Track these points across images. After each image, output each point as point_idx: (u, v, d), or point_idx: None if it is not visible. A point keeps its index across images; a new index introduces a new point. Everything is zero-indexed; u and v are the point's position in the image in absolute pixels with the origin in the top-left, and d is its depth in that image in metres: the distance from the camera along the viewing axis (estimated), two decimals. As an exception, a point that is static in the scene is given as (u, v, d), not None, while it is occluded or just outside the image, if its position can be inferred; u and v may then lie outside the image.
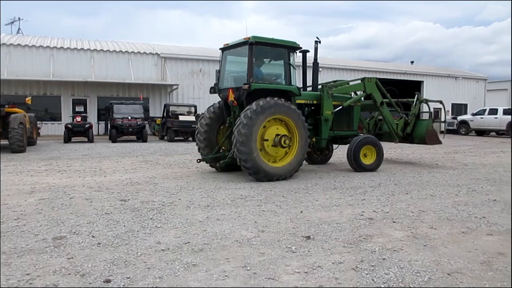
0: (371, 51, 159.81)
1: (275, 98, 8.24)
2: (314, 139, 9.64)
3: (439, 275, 3.39)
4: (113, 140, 19.59)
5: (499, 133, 27.99)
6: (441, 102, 11.64)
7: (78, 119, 19.87)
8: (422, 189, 7.37)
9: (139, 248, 3.99)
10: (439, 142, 11.38)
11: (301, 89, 9.44)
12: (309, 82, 10.28)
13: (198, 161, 9.64)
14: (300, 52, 9.50)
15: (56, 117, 25.53)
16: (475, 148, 16.85)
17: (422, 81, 36.61)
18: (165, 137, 21.59)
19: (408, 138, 11.20)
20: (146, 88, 27.04)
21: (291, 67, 9.00)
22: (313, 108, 9.80)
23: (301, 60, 9.99)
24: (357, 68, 33.55)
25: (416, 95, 11.53)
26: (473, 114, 29.12)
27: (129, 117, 20.21)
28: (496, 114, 27.17)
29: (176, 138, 20.88)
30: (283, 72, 9.07)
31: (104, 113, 25.03)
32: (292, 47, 9.04)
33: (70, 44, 26.33)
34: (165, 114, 22.04)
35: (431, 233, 4.58)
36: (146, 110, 24.54)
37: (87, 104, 25.89)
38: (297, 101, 9.13)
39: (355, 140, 9.65)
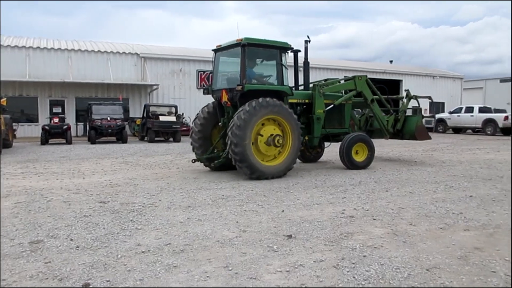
0: (351, 50, 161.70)
1: (268, 99, 8.34)
2: (306, 138, 9.78)
3: (418, 270, 3.45)
4: (92, 141, 19.28)
5: (475, 131, 28.64)
6: (430, 98, 11.96)
7: (56, 120, 19.49)
8: (401, 186, 7.48)
9: (119, 251, 3.93)
10: (429, 138, 11.66)
11: (293, 89, 9.58)
12: (301, 81, 10.44)
13: (193, 161, 9.66)
14: (291, 52, 9.62)
15: (32, 119, 24.98)
16: (452, 145, 17.21)
17: (401, 80, 37.22)
18: (145, 138, 21.37)
19: (398, 134, 11.43)
20: (125, 88, 26.69)
21: (283, 67, 9.11)
22: (305, 107, 9.94)
23: (292, 60, 10.06)
24: (338, 68, 33.85)
25: (406, 92, 11.78)
26: (450, 112, 29.72)
27: (109, 118, 19.90)
28: (472, 112, 27.79)
29: (156, 138, 20.69)
30: (275, 72, 9.20)
31: (83, 114, 24.60)
32: (284, 48, 9.15)
33: (46, 44, 25.78)
34: (145, 115, 21.80)
35: (411, 230, 4.65)
36: (125, 110, 24.24)
37: (65, 105, 25.38)
38: (290, 101, 9.27)
39: (347, 138, 9.79)
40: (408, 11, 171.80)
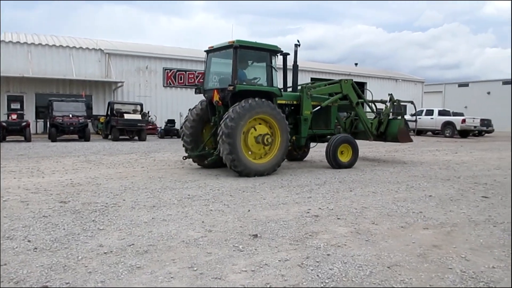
0: (318, 52, 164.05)
1: (257, 99, 8.66)
2: (294, 138, 10.09)
3: (379, 268, 3.54)
4: (53, 139, 18.61)
5: (435, 133, 29.73)
6: (412, 102, 12.49)
7: (14, 116, 18.66)
8: (365, 186, 7.65)
9: (79, 252, 3.82)
10: (410, 140, 12.18)
11: (282, 90, 9.85)
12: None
13: (184, 158, 9.99)
14: (280, 55, 9.90)
15: (-12, 115, 23.82)
16: (413, 147, 17.79)
17: (366, 82, 38.05)
18: (109, 136, 20.84)
19: (381, 136, 11.90)
20: (89, 85, 25.90)
21: (273, 69, 9.45)
22: (292, 108, 10.28)
23: (281, 63, 10.29)
24: (305, 69, 34.17)
25: (389, 96, 12.27)
26: (412, 115, 30.67)
27: (70, 115, 19.26)
28: (432, 115, 28.83)
29: (121, 137, 20.24)
30: (265, 74, 9.52)
31: (43, 110, 23.69)
32: (273, 51, 9.52)
33: (4, 37, 24.63)
34: (109, 112, 21.27)
35: (373, 229, 4.77)
36: (88, 108, 23.52)
37: (24, 101, 24.34)
38: (278, 101, 9.55)
39: (333, 139, 10.18)
40: (373, 15, 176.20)
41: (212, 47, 9.66)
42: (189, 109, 10.11)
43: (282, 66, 10.23)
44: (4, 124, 17.89)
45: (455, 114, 29.03)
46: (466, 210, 5.77)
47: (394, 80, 40.42)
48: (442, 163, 11.80)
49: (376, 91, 38.94)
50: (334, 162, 10.06)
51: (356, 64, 45.82)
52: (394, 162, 11.94)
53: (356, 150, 10.39)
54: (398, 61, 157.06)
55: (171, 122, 24.37)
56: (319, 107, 10.41)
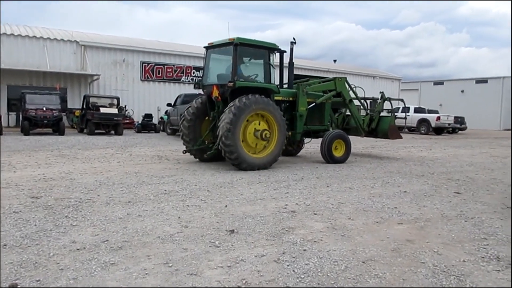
0: (297, 48, 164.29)
1: (257, 95, 8.91)
2: (290, 133, 10.25)
3: (354, 263, 3.58)
4: (26, 132, 18.11)
5: (410, 130, 30.30)
6: (402, 100, 12.90)
7: (-16, 109, 18.07)
8: (341, 182, 7.73)
9: (51, 249, 3.72)
10: (400, 137, 12.51)
11: (279, 87, 10.06)
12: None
13: (184, 152, 10.14)
14: (277, 52, 10.12)
15: (-43, 107, 22.98)
16: (389, 143, 18.07)
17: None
18: (85, 130, 20.45)
19: (372, 132, 12.25)
20: (63, 77, 25.28)
21: (271, 67, 9.74)
22: (288, 104, 10.47)
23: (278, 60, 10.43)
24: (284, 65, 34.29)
25: (381, 94, 12.62)
26: (388, 112, 31.16)
27: (44, 108, 18.78)
28: (408, 112, 29.34)
29: (97, 131, 19.86)
30: (263, 71, 9.80)
31: (16, 103, 23.01)
32: (272, 48, 9.80)
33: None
34: (84, 106, 20.84)
35: (349, 224, 4.82)
36: (63, 101, 23.00)
37: (-6, 93, 23.61)
38: (275, 98, 9.82)
39: (328, 135, 10.45)
40: (352, 12, 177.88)
41: (212, 43, 9.86)
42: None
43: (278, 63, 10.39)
44: (-27, 116, 17.30)
45: (430, 111, 29.66)
46: (439, 206, 5.90)
47: (372, 77, 40.98)
48: (417, 159, 12.04)
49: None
50: (329, 157, 10.34)
51: (335, 60, 46.14)
52: (370, 158, 12.12)
53: (349, 146, 10.71)
54: (376, 58, 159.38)
55: (148, 116, 24.07)
56: (314, 103, 10.65)
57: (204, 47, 10.10)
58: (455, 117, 29.33)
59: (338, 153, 10.57)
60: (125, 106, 24.31)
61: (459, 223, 5.00)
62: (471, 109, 42.67)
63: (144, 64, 27.70)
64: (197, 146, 9.89)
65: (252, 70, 10.01)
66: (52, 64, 24.56)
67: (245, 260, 3.57)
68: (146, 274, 3.24)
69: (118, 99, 22.24)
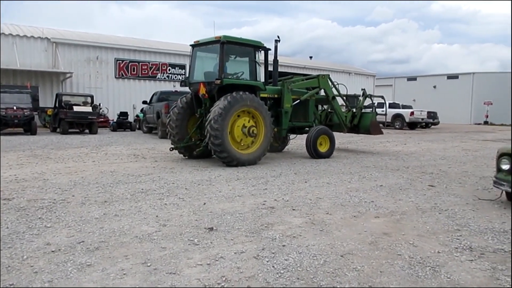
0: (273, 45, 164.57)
1: (243, 92, 9.03)
2: (276, 129, 10.40)
3: (333, 257, 3.62)
4: (-4, 132, 17.54)
5: (385, 125, 30.81)
6: (382, 97, 13.21)
7: (-49, 109, 17.38)
8: (319, 177, 7.80)
9: (24, 251, 3.62)
10: (381, 133, 12.89)
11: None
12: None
13: (171, 149, 10.08)
14: (262, 50, 10.14)
15: None
16: (365, 138, 18.35)
17: (320, 76, 38.74)
18: (58, 129, 19.93)
19: (354, 128, 12.53)
20: (34, 75, 24.56)
21: (257, 64, 9.88)
22: (273, 101, 10.61)
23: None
24: (260, 61, 34.29)
25: (362, 91, 12.97)
26: (364, 107, 31.62)
27: (15, 107, 18.20)
28: (382, 107, 29.82)
29: (70, 130, 19.39)
30: (249, 68, 9.93)
31: (-16, 102, 22.23)
32: (258, 46, 9.91)
33: None
34: (57, 105, 20.30)
35: (327, 219, 4.87)
36: (35, 99, 22.26)
37: (-39, 92, 22.73)
38: (261, 95, 9.96)
39: (313, 131, 10.62)
40: (327, 9, 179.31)
41: (198, 41, 9.91)
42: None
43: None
44: None
45: (404, 107, 30.21)
46: (414, 199, 6.03)
47: (348, 73, 41.43)
48: (392, 153, 12.27)
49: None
50: (314, 153, 10.51)
51: (310, 57, 46.50)
52: (347, 153, 12.27)
53: (333, 141, 10.94)
54: (351, 55, 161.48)
55: (123, 114, 23.64)
56: (298, 100, 10.84)
57: (190, 45, 10.18)
58: (428, 112, 29.98)
59: (323, 148, 10.78)
60: (100, 104, 23.80)
61: (433, 215, 5.12)
62: (443, 104, 43.72)
63: (118, 62, 27.19)
64: (184, 143, 9.94)
65: (238, 67, 10.13)
66: (22, 62, 23.81)
67: (224, 257, 3.57)
68: (124, 274, 3.19)
69: (92, 97, 21.75)
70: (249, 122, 9.31)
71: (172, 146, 10.06)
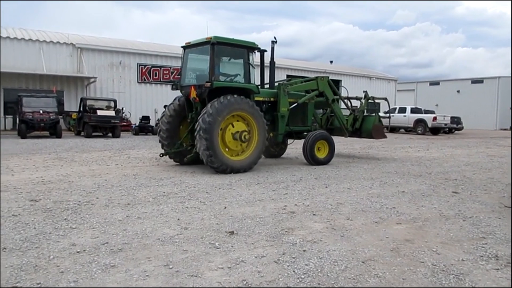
0: (293, 49, 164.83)
1: (235, 96, 8.65)
2: (271, 134, 10.09)
3: (354, 263, 3.59)
4: (23, 135, 18.06)
5: (407, 130, 30.40)
6: (386, 99, 12.59)
7: (-19, 112, 18.01)
8: (340, 182, 7.75)
9: (51, 251, 3.72)
10: (384, 137, 12.33)
11: (259, 87, 9.83)
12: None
13: (161, 155, 9.84)
14: (258, 52, 9.89)
15: (-47, 111, 22.89)
16: (386, 143, 18.13)
17: (341, 80, 38.53)
18: (82, 133, 20.40)
19: (356, 132, 12.03)
20: (60, 80, 25.25)
21: (250, 66, 9.47)
22: (269, 105, 10.27)
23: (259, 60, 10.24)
24: (280, 66, 34.28)
25: (364, 93, 12.39)
26: (385, 113, 31.29)
27: (41, 111, 18.74)
28: (404, 112, 29.46)
29: (94, 133, 19.83)
30: (242, 70, 9.52)
31: (12, 106, 22.95)
32: (251, 47, 9.51)
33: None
34: (81, 108, 20.80)
35: (348, 224, 4.83)
36: (60, 103, 22.90)
37: (-9, 96, 23.53)
38: (256, 99, 9.59)
39: (310, 136, 10.23)
40: (349, 13, 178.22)
41: (189, 43, 9.59)
42: (165, 106, 10.10)
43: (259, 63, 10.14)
44: (-30, 120, 17.25)
45: (426, 112, 29.75)
46: (437, 205, 5.93)
47: (368, 78, 41.10)
48: (414, 159, 12.08)
49: (350, 89, 39.47)
50: (311, 159, 10.14)
51: (331, 61, 46.28)
52: (368, 158, 12.15)
53: (332, 147, 10.52)
54: (373, 59, 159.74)
55: (145, 118, 24.03)
56: (296, 104, 10.42)
57: (182, 46, 9.87)
58: (452, 117, 29.46)
59: (321, 154, 10.37)
60: (122, 109, 24.28)
61: (457, 222, 5.02)
62: (467, 109, 42.87)
63: (140, 66, 27.67)
64: (175, 149, 9.59)
65: (232, 70, 9.78)
66: (49, 67, 24.51)
67: (245, 261, 3.58)
68: (147, 276, 3.24)
69: (115, 101, 22.22)
70: (241, 127, 8.90)
71: (162, 152, 9.74)
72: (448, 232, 4.59)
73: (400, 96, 45.80)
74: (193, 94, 8.83)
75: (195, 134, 8.45)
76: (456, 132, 31.65)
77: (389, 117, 14.40)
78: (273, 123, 10.19)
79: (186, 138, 9.72)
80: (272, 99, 10.21)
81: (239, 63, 9.65)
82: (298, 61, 43.31)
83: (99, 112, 20.08)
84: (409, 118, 28.96)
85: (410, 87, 52.25)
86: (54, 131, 18.80)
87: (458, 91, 47.55)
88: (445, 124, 28.54)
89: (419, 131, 28.15)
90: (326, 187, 7.25)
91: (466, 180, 8.29)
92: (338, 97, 11.64)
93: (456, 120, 30.12)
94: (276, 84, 10.62)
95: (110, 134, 20.39)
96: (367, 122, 11.92)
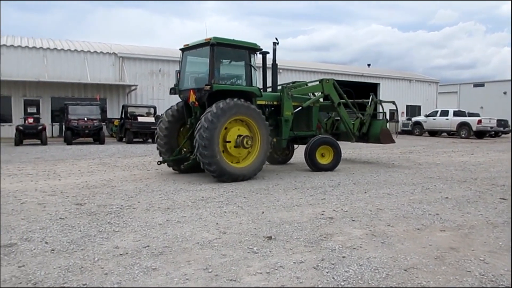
0: (330, 53, 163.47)
1: (236, 99, 8.21)
2: (275, 140, 9.61)
3: (396, 271, 3.49)
4: (68, 142, 18.88)
5: (450, 134, 29.34)
6: (393, 102, 12.04)
7: (30, 120, 18.97)
8: (379, 188, 7.58)
9: (96, 254, 3.85)
10: (393, 141, 11.77)
11: (262, 90, 9.45)
12: (269, 83, 10.31)
13: (159, 163, 9.39)
14: (259, 53, 9.46)
15: (6, 119, 24.23)
16: (428, 148, 17.57)
17: (379, 83, 37.77)
18: (124, 139, 21.06)
19: (363, 137, 11.52)
20: (103, 88, 26.24)
21: (252, 68, 8.98)
22: (273, 108, 9.88)
23: (261, 62, 9.92)
24: (316, 70, 34.12)
25: (370, 96, 11.88)
26: (426, 116, 30.39)
27: (85, 118, 19.52)
28: (447, 115, 28.48)
29: (135, 139, 20.42)
30: (244, 73, 9.06)
31: (59, 114, 24.05)
32: (253, 49, 9.05)
33: (21, 42, 25.12)
34: (123, 115, 21.50)
35: (388, 231, 4.71)
36: (103, 111, 23.81)
37: (40, 105, 24.76)
38: (258, 102, 9.15)
39: (312, 141, 9.80)
40: (387, 15, 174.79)
41: (188, 45, 9.16)
42: (165, 111, 9.66)
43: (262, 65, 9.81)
44: (21, 128, 18.22)
45: (470, 114, 28.60)
46: (484, 212, 5.68)
47: (408, 80, 40.04)
48: (458, 164, 11.63)
49: (389, 92, 38.79)
50: (312, 164, 9.73)
51: (368, 65, 45.47)
52: (408, 163, 11.81)
53: (338, 152, 9.95)
54: (412, 61, 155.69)
55: (184, 124, 24.45)
56: (300, 107, 10.00)
57: (180, 49, 9.40)
58: (498, 120, 28.16)
59: (324, 160, 9.87)
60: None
61: (506, 230, 4.78)
62: (515, 111, 40.80)
63: (179, 74, 28.24)
64: (173, 156, 9.15)
65: (232, 72, 9.42)
66: (92, 76, 25.53)
67: (283, 267, 3.57)
68: (187, 279, 3.29)
69: (155, 108, 22.82)
70: (243, 132, 8.39)
71: (160, 159, 9.33)
72: (497, 241, 4.37)
73: (442, 98, 44.27)
74: (192, 98, 8.44)
75: (194, 140, 8.04)
76: (503, 135, 30.23)
77: (397, 121, 13.63)
78: (276, 127, 9.75)
79: (185, 145, 9.28)
80: (275, 102, 9.78)
81: (240, 65, 9.18)
82: (334, 64, 42.86)
83: (140, 119, 20.67)
84: (451, 121, 27.96)
85: (453, 89, 50.39)
86: (97, 138, 19.52)
87: (504, 93, 45.36)
88: (491, 127, 27.32)
89: (463, 135, 27.11)
90: (365, 192, 7.11)
91: (515, 186, 7.89)
92: (344, 100, 11.04)
93: (503, 123, 28.77)
94: (279, 87, 10.22)
95: (150, 140, 20.92)
96: (374, 127, 11.40)
